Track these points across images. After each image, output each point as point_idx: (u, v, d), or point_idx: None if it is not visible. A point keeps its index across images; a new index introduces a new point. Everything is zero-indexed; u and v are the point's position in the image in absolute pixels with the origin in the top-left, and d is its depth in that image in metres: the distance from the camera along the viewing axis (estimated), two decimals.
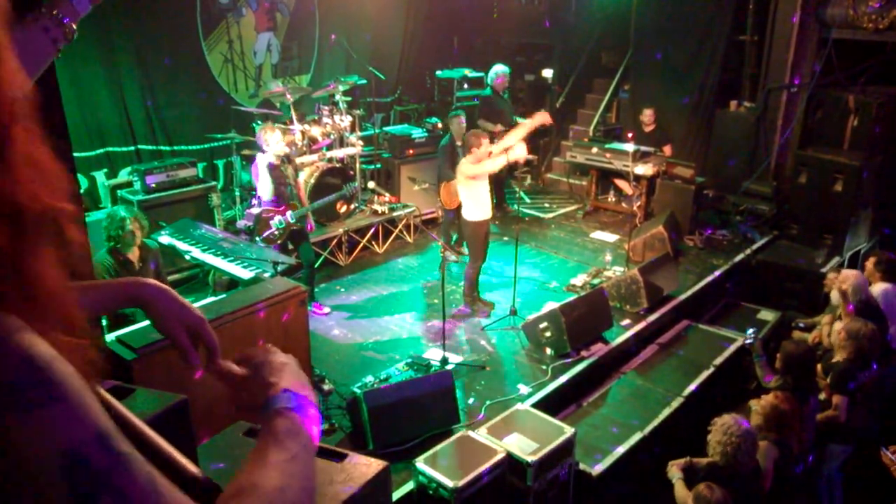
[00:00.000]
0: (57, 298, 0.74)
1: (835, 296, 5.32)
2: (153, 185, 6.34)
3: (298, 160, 6.99)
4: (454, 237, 7.22)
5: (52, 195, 0.73)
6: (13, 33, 1.26)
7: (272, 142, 5.55)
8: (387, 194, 7.71)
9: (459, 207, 6.09)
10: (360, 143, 7.57)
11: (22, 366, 0.65)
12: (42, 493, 0.64)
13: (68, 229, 0.76)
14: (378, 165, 8.20)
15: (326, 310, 6.13)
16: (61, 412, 0.65)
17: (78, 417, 0.66)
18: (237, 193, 7.14)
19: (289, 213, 5.64)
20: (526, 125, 5.86)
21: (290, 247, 5.87)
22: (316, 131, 7.21)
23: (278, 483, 0.82)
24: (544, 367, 5.34)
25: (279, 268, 4.58)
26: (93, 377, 0.74)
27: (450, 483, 3.65)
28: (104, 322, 3.95)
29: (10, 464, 0.64)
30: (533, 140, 9.67)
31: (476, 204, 5.86)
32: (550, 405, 4.87)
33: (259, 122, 7.34)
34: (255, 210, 5.65)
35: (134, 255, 4.89)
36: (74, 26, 1.32)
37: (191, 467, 0.95)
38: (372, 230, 7.44)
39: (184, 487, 0.87)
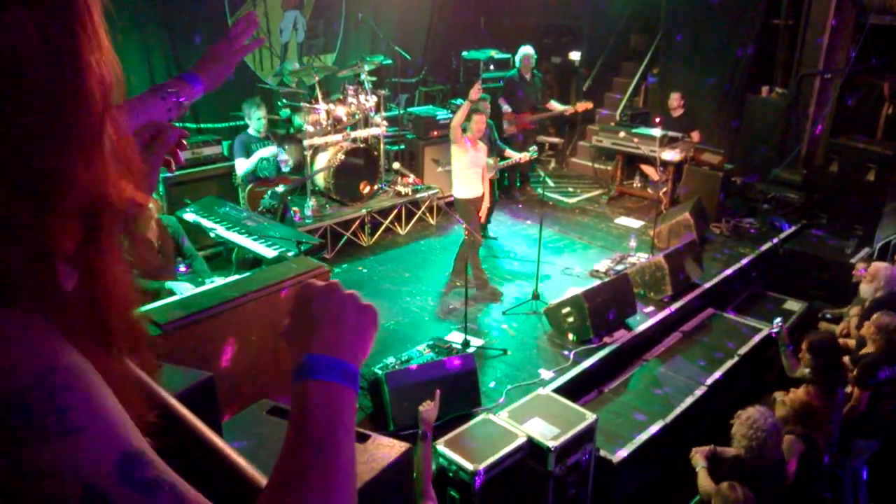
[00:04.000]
0: (120, 311, 0.67)
1: (864, 288, 5.21)
2: None
3: (323, 139, 6.98)
4: None
5: (137, 191, 0.68)
6: (140, 99, 1.38)
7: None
8: (410, 175, 7.68)
9: None
10: (385, 123, 7.53)
11: (42, 388, 0.58)
12: None
13: (143, 225, 0.72)
14: (402, 146, 8.17)
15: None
16: (81, 442, 0.59)
17: (97, 449, 0.59)
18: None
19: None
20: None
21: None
22: (341, 111, 7.17)
23: (317, 493, 0.73)
24: (566, 352, 5.31)
25: (303, 247, 4.58)
26: (141, 401, 0.67)
27: (470, 466, 3.65)
28: None
29: (28, 500, 0.57)
30: (559, 124, 9.61)
31: (461, 180, 6.08)
32: (572, 391, 4.84)
33: (284, 101, 7.34)
34: (281, 189, 5.66)
35: (153, 233, 4.87)
36: (188, 105, 1.44)
37: (258, 477, 0.89)
38: (395, 211, 7.43)
39: (247, 499, 0.84)
